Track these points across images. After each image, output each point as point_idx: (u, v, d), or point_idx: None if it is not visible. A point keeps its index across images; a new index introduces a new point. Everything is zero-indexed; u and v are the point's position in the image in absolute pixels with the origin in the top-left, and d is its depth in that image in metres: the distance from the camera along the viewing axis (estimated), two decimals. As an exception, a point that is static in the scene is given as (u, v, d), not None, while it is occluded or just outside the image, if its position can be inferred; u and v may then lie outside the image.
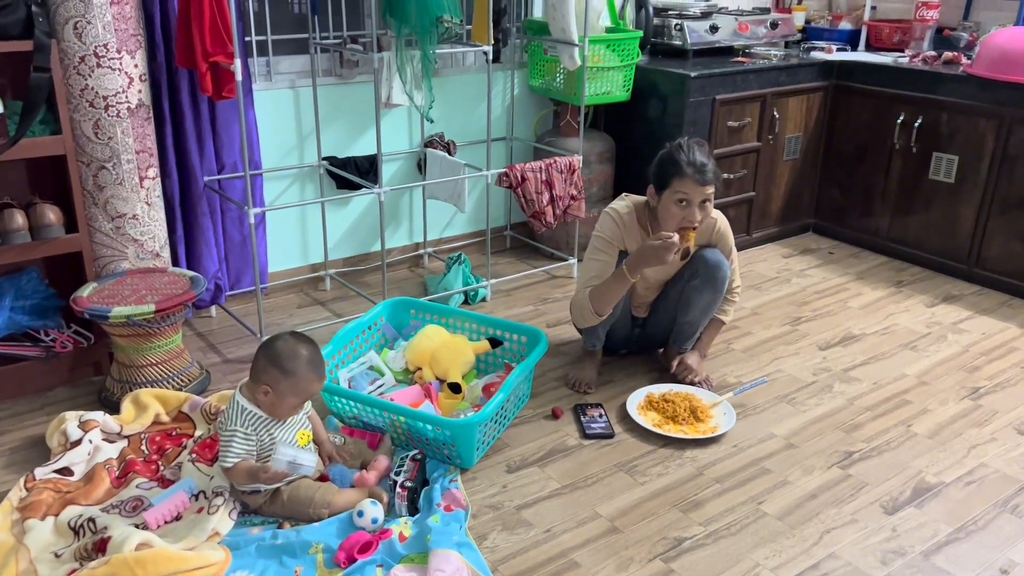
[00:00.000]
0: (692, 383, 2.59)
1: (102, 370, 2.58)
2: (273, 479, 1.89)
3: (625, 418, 2.42)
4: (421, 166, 3.43)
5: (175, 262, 2.88)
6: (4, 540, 1.85)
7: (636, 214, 2.51)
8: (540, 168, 3.22)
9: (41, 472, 2.05)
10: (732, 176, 3.61)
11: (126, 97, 2.44)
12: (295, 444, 1.96)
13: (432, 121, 3.32)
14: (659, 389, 2.54)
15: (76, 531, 1.87)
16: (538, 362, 2.40)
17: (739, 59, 3.65)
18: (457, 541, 1.83)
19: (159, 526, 1.90)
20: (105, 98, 2.41)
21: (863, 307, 3.26)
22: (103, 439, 2.21)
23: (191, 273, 2.56)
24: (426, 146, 3.40)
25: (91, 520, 1.87)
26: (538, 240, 3.72)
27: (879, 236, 3.78)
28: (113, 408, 2.37)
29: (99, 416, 2.23)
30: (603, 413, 2.44)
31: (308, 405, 2.06)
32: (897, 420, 2.47)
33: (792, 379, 2.70)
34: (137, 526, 1.89)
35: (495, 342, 2.47)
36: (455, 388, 2.33)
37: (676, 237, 2.29)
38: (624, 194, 2.58)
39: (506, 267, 3.58)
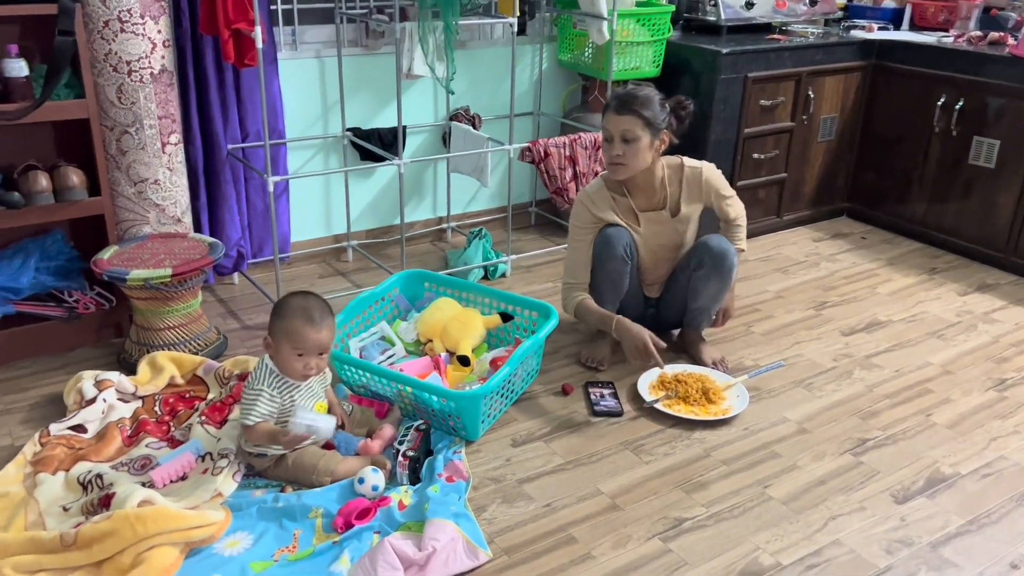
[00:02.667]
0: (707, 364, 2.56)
1: (123, 332, 2.63)
2: (291, 442, 1.90)
3: (636, 397, 2.40)
4: (446, 140, 3.42)
5: (198, 229, 2.91)
6: (15, 492, 1.90)
7: (607, 183, 2.49)
8: (564, 143, 3.19)
9: (56, 428, 2.10)
10: (763, 156, 3.54)
11: (149, 63, 2.47)
12: (312, 411, 1.98)
13: (453, 93, 3.30)
14: (672, 369, 2.51)
15: (84, 486, 1.91)
16: (549, 337, 2.39)
17: (774, 36, 3.56)
18: (454, 511, 1.84)
19: (165, 485, 1.94)
20: (128, 63, 2.43)
21: (892, 294, 3.18)
22: (118, 399, 2.25)
23: (210, 239, 2.59)
24: (451, 119, 3.38)
25: (99, 476, 1.91)
26: (562, 217, 3.68)
27: (914, 222, 3.68)
28: (131, 369, 2.42)
29: (114, 376, 2.28)
30: (614, 391, 2.42)
31: (328, 376, 2.07)
32: (917, 409, 2.41)
33: (811, 364, 2.64)
34: (144, 484, 1.92)
35: (506, 316, 2.46)
36: (464, 361, 2.33)
37: (656, 361, 2.32)
38: None
39: (528, 243, 3.56)
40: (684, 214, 2.50)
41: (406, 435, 2.05)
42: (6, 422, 2.21)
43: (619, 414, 2.33)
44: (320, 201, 3.28)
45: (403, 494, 1.93)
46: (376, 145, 3.17)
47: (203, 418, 2.16)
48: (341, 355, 2.23)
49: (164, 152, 2.57)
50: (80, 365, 2.49)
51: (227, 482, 1.93)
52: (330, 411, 2.11)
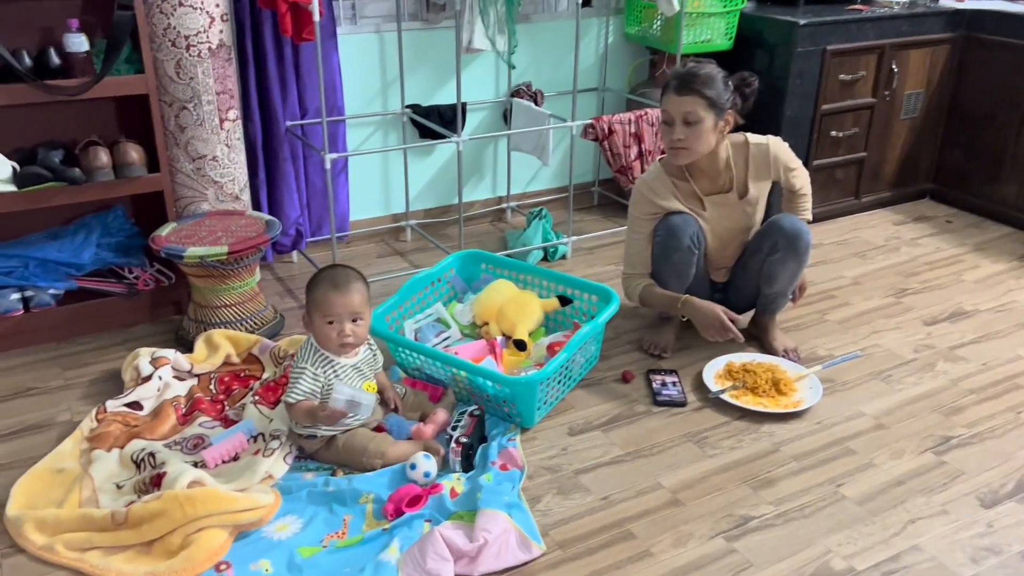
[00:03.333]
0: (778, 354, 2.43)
1: (181, 309, 2.63)
2: (331, 418, 1.84)
3: (700, 387, 2.29)
4: (507, 117, 3.33)
5: (256, 206, 2.89)
6: (71, 468, 1.91)
7: (666, 168, 2.37)
8: (629, 120, 3.06)
9: (112, 405, 2.11)
10: (841, 134, 3.35)
11: (207, 37, 2.44)
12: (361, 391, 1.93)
13: (514, 67, 3.20)
14: (740, 358, 2.39)
15: (138, 464, 1.91)
16: (610, 323, 2.29)
17: (855, 6, 3.36)
18: (507, 502, 1.77)
19: (216, 465, 1.92)
20: (187, 37, 2.41)
21: (979, 281, 2.97)
22: (173, 376, 2.25)
23: (268, 217, 2.56)
24: (512, 96, 3.29)
25: (152, 454, 1.90)
26: (626, 197, 3.56)
27: (1005, 205, 3.44)
28: (188, 347, 2.41)
29: (171, 354, 2.27)
30: (677, 380, 2.31)
31: (379, 359, 2.02)
32: (1006, 406, 2.24)
33: (890, 355, 2.49)
34: (196, 464, 1.91)
35: (564, 300, 2.37)
36: (520, 345, 2.25)
37: (734, 335, 2.25)
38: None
39: (590, 224, 3.46)
40: (752, 195, 2.36)
41: (460, 420, 1.99)
42: (66, 397, 2.22)
43: (682, 404, 2.22)
44: (379, 179, 3.23)
45: (455, 481, 1.87)
46: (436, 122, 3.10)
47: (256, 398, 2.14)
48: (395, 336, 2.18)
49: (222, 128, 2.55)
50: (139, 342, 2.50)
51: (278, 464, 1.90)
52: (382, 394, 2.07)
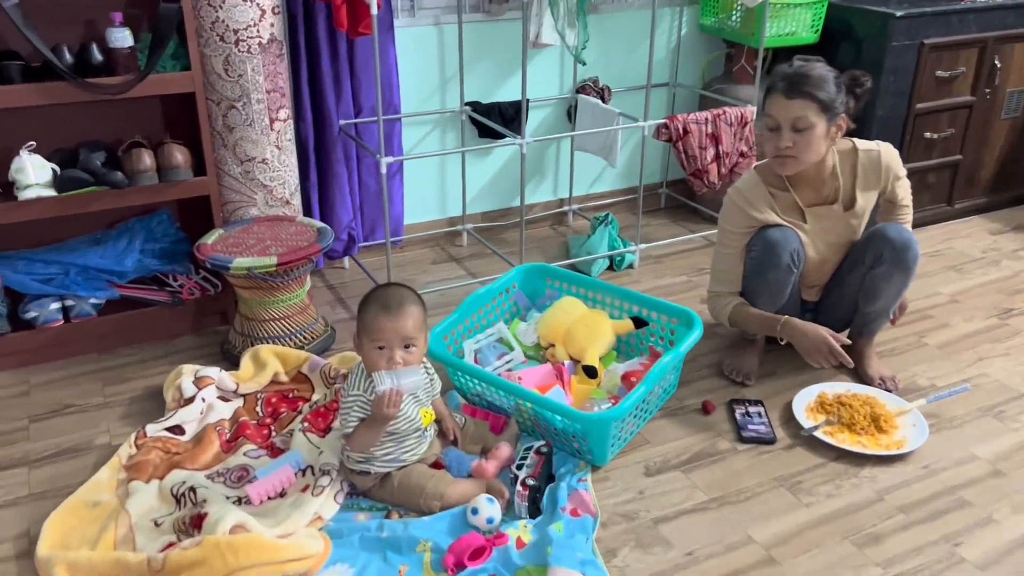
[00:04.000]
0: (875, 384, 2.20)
1: (228, 319, 2.49)
2: (387, 406, 1.63)
3: (790, 420, 2.07)
4: (571, 114, 3.12)
5: (307, 210, 2.74)
6: (108, 501, 1.77)
7: (764, 176, 2.14)
8: (706, 120, 2.83)
9: (152, 429, 1.96)
10: (936, 136, 3.07)
11: (257, 31, 2.27)
12: (417, 419, 1.75)
13: (584, 63, 2.99)
14: (834, 388, 2.16)
15: (178, 499, 1.76)
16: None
17: (956, -5, 3.07)
18: (581, 559, 1.58)
19: (262, 502, 1.76)
20: (236, 32, 2.25)
21: (1095, 301, 2.69)
22: (218, 396, 2.10)
23: (319, 224, 2.40)
24: (578, 92, 3.08)
25: (192, 489, 1.75)
26: (697, 201, 3.33)
27: (1118, 214, 3.14)
28: (234, 362, 2.26)
29: (215, 373, 2.12)
30: (763, 412, 2.09)
31: (436, 384, 1.84)
32: None
33: (1001, 387, 2.23)
34: (240, 499, 1.76)
35: (639, 322, 2.16)
36: (590, 372, 2.05)
37: (844, 360, 2.02)
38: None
39: (659, 230, 3.23)
40: (859, 206, 2.13)
41: (525, 458, 1.80)
42: (106, 417, 2.09)
43: (771, 441, 2.00)
44: (435, 181, 3.05)
45: (522, 529, 1.68)
46: (496, 120, 2.90)
47: (305, 424, 1.98)
48: (453, 360, 2.00)
49: (272, 129, 2.39)
50: (183, 355, 2.36)
51: (328, 504, 1.73)
52: (440, 423, 1.89)
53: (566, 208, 3.31)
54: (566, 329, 2.14)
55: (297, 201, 2.54)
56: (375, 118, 2.71)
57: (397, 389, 1.63)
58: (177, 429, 1.99)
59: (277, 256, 2.19)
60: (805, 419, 2.05)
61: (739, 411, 2.09)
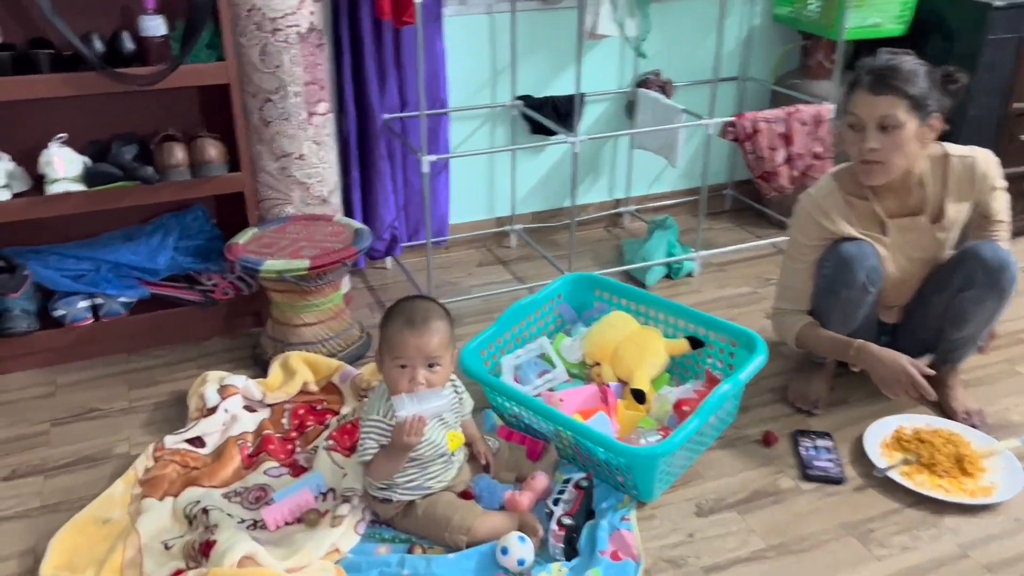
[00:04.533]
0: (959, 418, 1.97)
1: (261, 321, 2.38)
2: (407, 435, 1.49)
3: (862, 457, 1.86)
4: (631, 109, 2.92)
5: (348, 207, 2.62)
6: (119, 519, 1.67)
7: (841, 183, 1.92)
8: (777, 118, 2.61)
9: (171, 441, 1.86)
10: (1035, 139, 2.79)
11: (296, 20, 2.14)
12: (443, 445, 1.61)
13: (644, 56, 2.79)
14: (913, 422, 1.94)
15: (190, 520, 1.65)
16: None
17: (1064, -17, 2.76)
18: (619, 613, 1.41)
19: (278, 527, 1.65)
20: (273, 20, 2.12)
21: None
22: (244, 406, 1.99)
23: (357, 225, 2.27)
24: (638, 86, 2.88)
25: (205, 511, 1.64)
26: (766, 204, 3.10)
27: None
28: (264, 368, 2.16)
29: (240, 382, 2.01)
30: (831, 447, 1.88)
31: (466, 404, 1.70)
32: None
33: (1107, 427, 1.98)
34: (256, 523, 1.64)
35: (696, 343, 1.97)
36: (639, 397, 1.87)
37: (926, 392, 1.80)
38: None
39: (722, 235, 3.02)
40: (949, 218, 1.90)
41: (563, 492, 1.65)
42: (128, 423, 2.00)
43: (839, 481, 1.80)
44: (483, 179, 2.90)
45: (556, 573, 1.53)
46: (550, 115, 2.73)
47: (330, 442, 1.85)
48: (488, 378, 1.85)
49: (310, 123, 2.26)
50: (214, 358, 2.27)
51: (347, 536, 1.60)
52: (471, 447, 1.75)
53: (622, 209, 3.12)
54: (614, 347, 1.97)
55: (336, 199, 2.42)
56: (422, 112, 2.57)
57: (419, 416, 1.49)
58: (197, 441, 1.89)
59: (310, 259, 2.06)
60: (879, 457, 1.84)
61: (804, 444, 1.89)
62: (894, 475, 1.78)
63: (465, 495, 1.70)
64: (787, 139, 2.63)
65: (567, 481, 1.68)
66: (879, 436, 1.90)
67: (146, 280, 2.30)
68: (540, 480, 1.72)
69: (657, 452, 1.61)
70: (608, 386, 1.92)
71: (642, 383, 1.88)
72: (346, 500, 1.66)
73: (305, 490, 1.69)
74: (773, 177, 2.67)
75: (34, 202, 2.05)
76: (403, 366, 1.54)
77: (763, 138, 2.61)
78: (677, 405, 1.84)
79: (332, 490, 1.72)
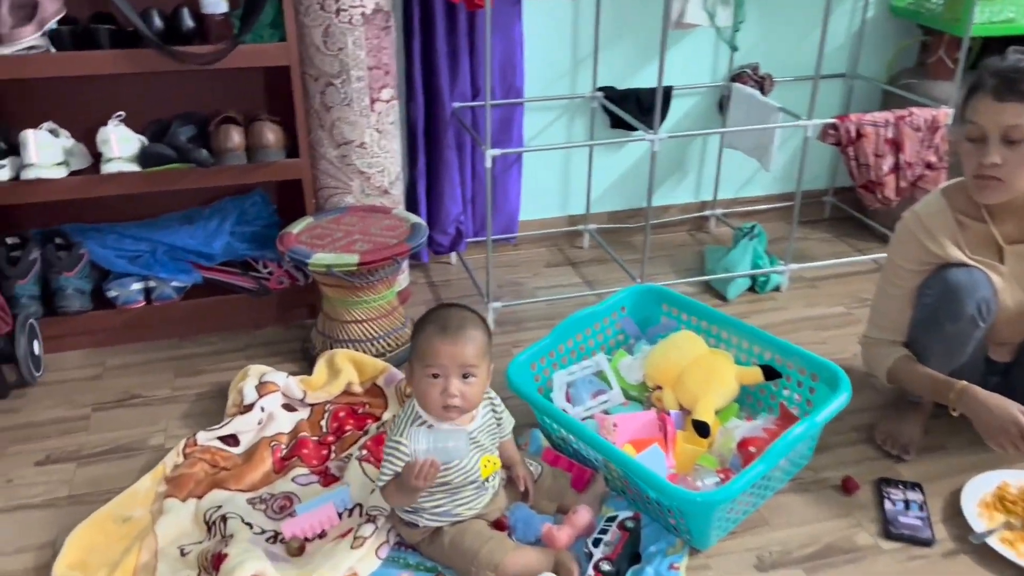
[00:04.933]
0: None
1: (315, 312, 2.30)
2: (418, 478, 1.36)
3: (956, 516, 1.62)
4: (723, 105, 2.70)
5: (413, 198, 2.50)
6: (139, 518, 1.61)
7: (951, 200, 1.68)
8: (886, 122, 2.35)
9: (204, 437, 1.79)
10: None
11: (361, 1, 2.03)
12: (475, 471, 1.47)
13: (736, 49, 2.56)
14: (1019, 479, 1.68)
15: (209, 527, 1.57)
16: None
17: None
18: None
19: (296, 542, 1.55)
20: (337, 0, 2.02)
21: None
22: (283, 404, 1.91)
23: (415, 219, 2.15)
24: (733, 80, 2.66)
25: (224, 519, 1.55)
26: (870, 214, 2.83)
27: None
28: (312, 363, 2.07)
29: (281, 379, 1.93)
30: (922, 501, 1.65)
31: (505, 423, 1.56)
32: None
33: None
34: (276, 535, 1.55)
35: (771, 372, 1.76)
36: (702, 430, 1.68)
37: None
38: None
39: (816, 246, 2.77)
40: None
41: (605, 531, 1.49)
42: (167, 413, 1.95)
43: (927, 543, 1.57)
44: (557, 174, 2.73)
45: (588, 624, 1.37)
46: (633, 109, 2.54)
47: (364, 451, 1.74)
48: (533, 396, 1.69)
49: (372, 110, 2.15)
50: (263, 349, 2.20)
51: (368, 559, 1.49)
52: (509, 470, 1.60)
53: (708, 212, 2.90)
54: (679, 371, 1.78)
55: (397, 191, 2.30)
56: (494, 101, 2.43)
57: (432, 460, 1.35)
58: (231, 439, 1.81)
59: (360, 254, 1.96)
60: (977, 518, 1.59)
61: (890, 495, 1.67)
62: (993, 541, 1.54)
63: (499, 524, 1.56)
64: (896, 146, 2.36)
65: (612, 519, 1.52)
66: (978, 493, 1.65)
67: (200, 264, 2.25)
68: (582, 515, 1.56)
69: (714, 500, 1.42)
70: (668, 414, 1.74)
71: (706, 414, 1.69)
72: (371, 520, 1.55)
73: (329, 505, 1.59)
74: (878, 187, 2.41)
75: (88, 181, 2.01)
76: (435, 375, 1.41)
77: (869, 143, 2.35)
78: (743, 443, 1.64)
79: (359, 506, 1.61)
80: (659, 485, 1.45)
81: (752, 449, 1.59)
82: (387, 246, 2.01)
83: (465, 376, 1.42)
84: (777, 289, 2.49)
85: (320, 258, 1.95)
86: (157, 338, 2.22)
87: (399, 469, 1.41)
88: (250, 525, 1.56)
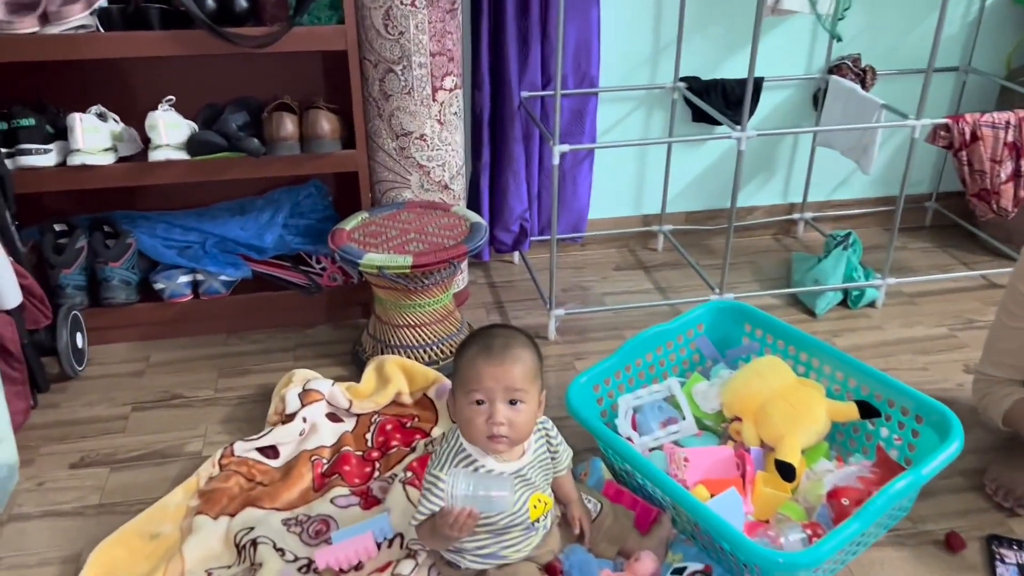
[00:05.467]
0: None
1: (369, 313, 2.17)
2: (448, 529, 1.23)
3: (1084, 591, 1.39)
4: (818, 99, 2.46)
5: (475, 194, 2.35)
6: (168, 535, 1.51)
7: None
8: (1006, 123, 2.08)
9: (241, 448, 1.68)
10: None
11: (425, -20, 1.88)
12: (523, 512, 1.31)
13: (840, 39, 2.32)
14: None
15: (239, 550, 1.46)
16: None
17: None
18: None
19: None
20: (399, -19, 1.87)
21: None
22: (327, 414, 1.78)
23: (474, 218, 2.00)
24: (830, 72, 2.41)
25: (254, 544, 1.44)
26: (978, 224, 2.55)
27: None
28: (361, 367, 1.94)
29: (326, 387, 1.80)
30: (1042, 568, 1.43)
31: (562, 455, 1.40)
32: None
33: None
34: (309, 563, 1.43)
35: (868, 410, 1.54)
36: (786, 473, 1.48)
37: None
38: None
39: (916, 257, 2.51)
40: None
41: (672, 585, 1.31)
42: (208, 416, 1.85)
43: (1049, 622, 1.35)
44: (632, 169, 2.54)
45: None
46: (718, 101, 2.33)
47: (410, 474, 1.60)
48: (593, 423, 1.52)
49: (435, 100, 2.00)
50: (312, 350, 2.08)
51: (403, 599, 1.35)
52: (565, 506, 1.44)
53: (796, 216, 2.67)
54: (761, 402, 1.58)
55: (458, 186, 2.15)
56: (564, 91, 2.25)
57: (469, 511, 1.20)
58: (270, 451, 1.70)
59: (414, 255, 1.82)
60: (1111, 595, 1.37)
61: (1002, 556, 1.45)
62: None
63: (551, 569, 1.40)
64: (1017, 151, 2.09)
65: (679, 572, 1.35)
66: (1113, 564, 1.42)
67: (251, 258, 2.15)
68: (646, 563, 1.39)
69: (800, 562, 1.24)
70: (747, 451, 1.55)
71: (792, 454, 1.49)
72: (411, 555, 1.41)
73: (368, 534, 1.45)
74: (993, 196, 2.15)
75: (134, 168, 1.92)
76: (479, 402, 1.26)
77: (984, 147, 2.09)
78: (833, 493, 1.44)
79: (400, 536, 1.48)
80: (736, 540, 1.27)
81: (845, 501, 1.39)
82: (443, 248, 1.87)
83: (512, 402, 1.26)
84: (872, 305, 2.25)
85: (371, 259, 1.82)
86: (203, 333, 2.13)
87: (436, 508, 1.26)
88: (282, 552, 1.44)
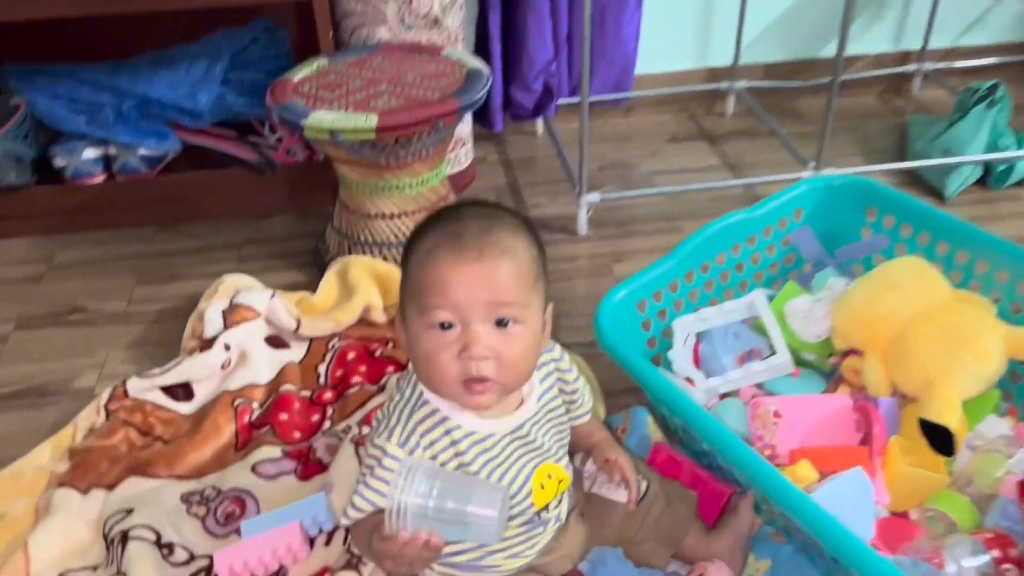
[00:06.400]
0: None
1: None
2: (396, 560, 0.74)
3: None
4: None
5: (483, 38, 1.78)
6: (16, 516, 1.05)
7: None
8: None
9: (137, 387, 1.20)
10: None
11: None
12: (525, 502, 0.81)
13: None
14: None
15: (108, 543, 1.00)
16: None
17: None
18: None
19: (236, 584, 0.95)
20: None
21: None
22: (265, 337, 1.29)
23: (474, 63, 1.44)
24: None
25: (125, 536, 0.97)
26: None
27: None
28: (321, 271, 1.44)
29: (263, 301, 1.30)
30: None
31: (584, 400, 0.90)
32: None
33: None
34: (208, 571, 0.96)
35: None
36: (939, 440, 0.94)
37: None
38: None
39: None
40: None
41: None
42: (112, 338, 1.37)
43: None
44: (695, 7, 1.92)
45: None
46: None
47: (366, 429, 1.11)
48: (636, 362, 0.99)
49: None
50: (263, 247, 1.60)
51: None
52: (591, 453, 0.93)
53: (912, 67, 2.04)
54: (897, 328, 1.03)
55: (454, 21, 1.58)
56: None
57: (428, 537, 0.70)
58: (180, 391, 1.22)
59: (380, 114, 1.27)
60: None
61: None
62: None
63: (570, 587, 0.91)
64: None
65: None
66: None
67: (182, 125, 1.62)
68: (720, 572, 0.89)
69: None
70: (873, 402, 1.01)
71: (947, 411, 0.95)
72: (352, 566, 0.93)
73: (295, 525, 0.97)
74: None
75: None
76: (444, 325, 0.74)
77: None
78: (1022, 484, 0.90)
79: (345, 532, 0.99)
80: (871, 565, 0.75)
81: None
82: (423, 103, 1.32)
83: (501, 323, 0.74)
84: (1022, 184, 1.66)
85: (320, 119, 1.28)
86: (124, 224, 1.64)
87: (379, 504, 0.76)
88: (169, 548, 0.98)
